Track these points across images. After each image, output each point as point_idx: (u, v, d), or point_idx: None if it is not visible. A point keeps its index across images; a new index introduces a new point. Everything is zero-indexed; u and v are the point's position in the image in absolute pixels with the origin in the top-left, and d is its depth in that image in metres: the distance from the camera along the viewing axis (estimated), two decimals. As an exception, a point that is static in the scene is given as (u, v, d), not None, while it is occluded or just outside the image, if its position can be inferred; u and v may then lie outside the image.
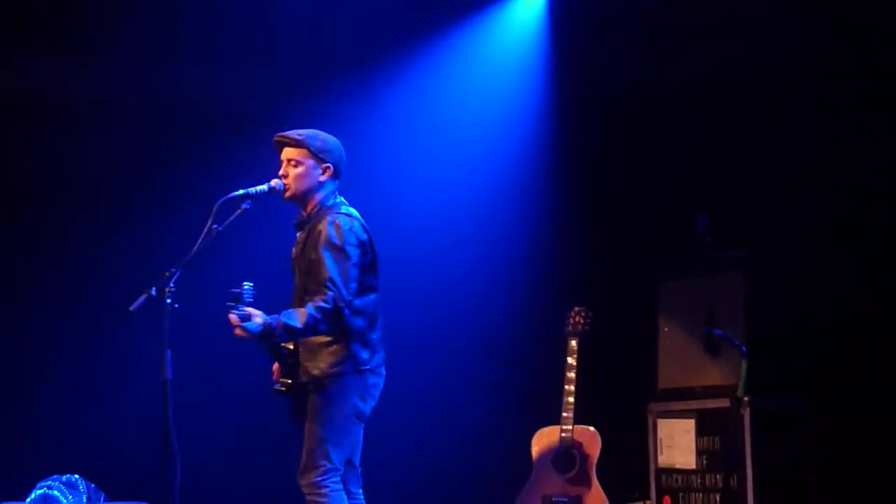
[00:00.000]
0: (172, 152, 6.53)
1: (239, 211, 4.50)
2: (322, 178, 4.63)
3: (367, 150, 6.05)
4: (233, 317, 4.32)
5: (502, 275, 6.75)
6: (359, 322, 4.55)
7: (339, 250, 4.48)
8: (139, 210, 6.51)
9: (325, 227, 4.52)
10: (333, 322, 4.45)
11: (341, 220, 4.56)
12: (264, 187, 4.60)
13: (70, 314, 6.38)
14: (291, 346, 4.57)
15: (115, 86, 6.46)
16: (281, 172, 4.64)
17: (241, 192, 4.53)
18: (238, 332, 4.33)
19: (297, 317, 4.39)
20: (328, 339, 4.52)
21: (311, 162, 4.60)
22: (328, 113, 6.10)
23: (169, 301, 4.24)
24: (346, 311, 4.45)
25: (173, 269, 4.27)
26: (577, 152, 6.72)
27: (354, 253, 4.52)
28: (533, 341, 6.63)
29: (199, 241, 4.37)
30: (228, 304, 4.28)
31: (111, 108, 6.47)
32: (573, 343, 5.93)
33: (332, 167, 4.64)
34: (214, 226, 4.39)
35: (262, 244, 5.87)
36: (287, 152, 4.66)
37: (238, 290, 4.30)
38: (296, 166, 4.61)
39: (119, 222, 6.50)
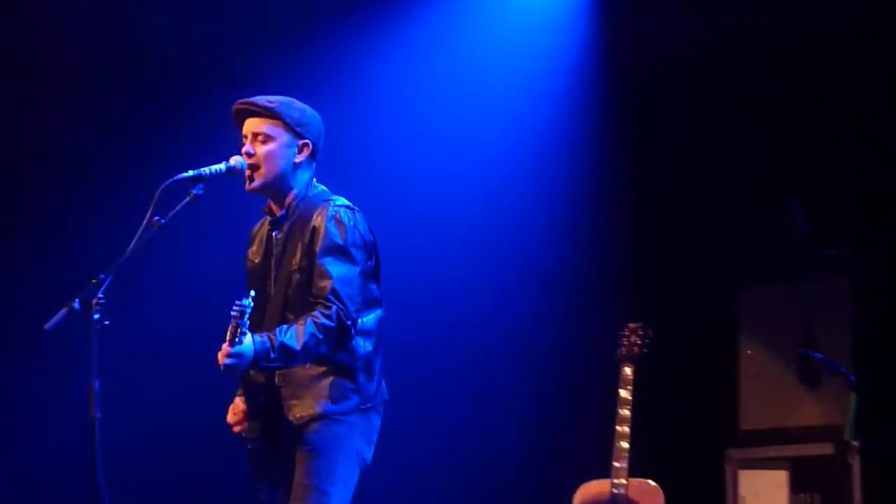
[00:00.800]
0: (103, 117, 6.51)
1: (189, 198, 4.41)
2: (299, 159, 4.56)
3: (368, 124, 6.24)
4: (225, 346, 4.21)
5: (537, 283, 6.81)
6: (363, 345, 4.51)
7: (342, 253, 4.45)
8: (60, 193, 6.50)
9: (322, 223, 4.47)
10: (336, 345, 4.41)
11: (343, 214, 4.50)
12: (221, 166, 4.49)
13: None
14: (263, 378, 4.49)
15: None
16: (245, 149, 4.52)
17: (190, 173, 4.43)
18: (226, 360, 4.23)
19: (296, 335, 4.31)
20: (322, 368, 4.46)
21: (286, 137, 4.53)
22: (315, 71, 6.22)
23: (97, 317, 4.15)
24: (352, 331, 4.43)
25: (102, 276, 4.18)
26: (630, 131, 6.77)
27: (360, 257, 4.49)
28: (576, 368, 6.70)
29: (137, 237, 4.29)
30: (239, 321, 4.16)
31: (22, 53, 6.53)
32: (627, 370, 5.86)
33: (310, 145, 4.57)
34: (156, 217, 4.31)
35: (219, 239, 5.83)
36: (252, 124, 4.56)
37: (243, 305, 4.17)
38: (265, 142, 4.52)
39: (34, 208, 6.50)
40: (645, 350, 5.89)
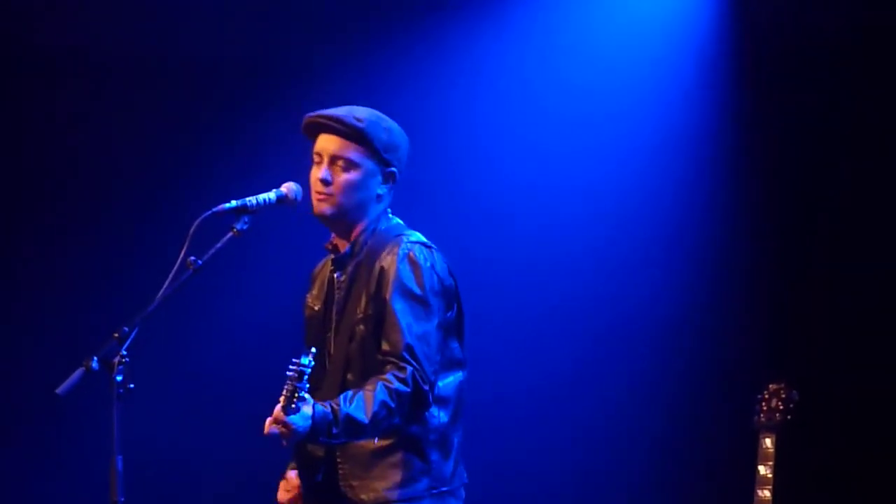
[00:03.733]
0: (131, 134, 6.71)
1: (231, 233, 4.41)
2: (381, 190, 4.60)
3: (461, 131, 6.53)
4: (278, 410, 4.20)
5: (656, 331, 6.90)
6: (438, 415, 4.53)
7: (418, 301, 4.47)
8: (75, 227, 6.67)
9: (392, 264, 4.50)
10: (411, 414, 4.41)
11: (418, 252, 4.53)
12: (271, 195, 4.50)
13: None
14: (322, 451, 4.50)
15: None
16: (321, 175, 4.53)
17: (233, 203, 4.43)
18: (280, 429, 4.22)
19: (364, 404, 4.31)
20: (387, 442, 4.48)
21: (370, 164, 4.57)
22: (396, 69, 6.52)
23: (119, 379, 4.12)
24: (430, 398, 4.43)
25: (126, 329, 4.15)
26: (773, 135, 6.81)
27: (439, 305, 4.50)
28: (703, 439, 6.75)
29: (168, 281, 4.27)
30: (297, 384, 4.17)
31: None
32: (768, 442, 5.79)
33: (396, 172, 4.62)
34: (192, 257, 4.28)
35: (269, 282, 5.99)
36: (332, 144, 4.56)
37: (302, 365, 4.17)
38: (346, 169, 4.54)
39: (46, 245, 6.68)
40: (790, 417, 5.79)
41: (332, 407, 4.25)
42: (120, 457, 4.10)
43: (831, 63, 6.72)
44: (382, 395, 4.30)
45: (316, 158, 4.56)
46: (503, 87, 6.94)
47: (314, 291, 4.71)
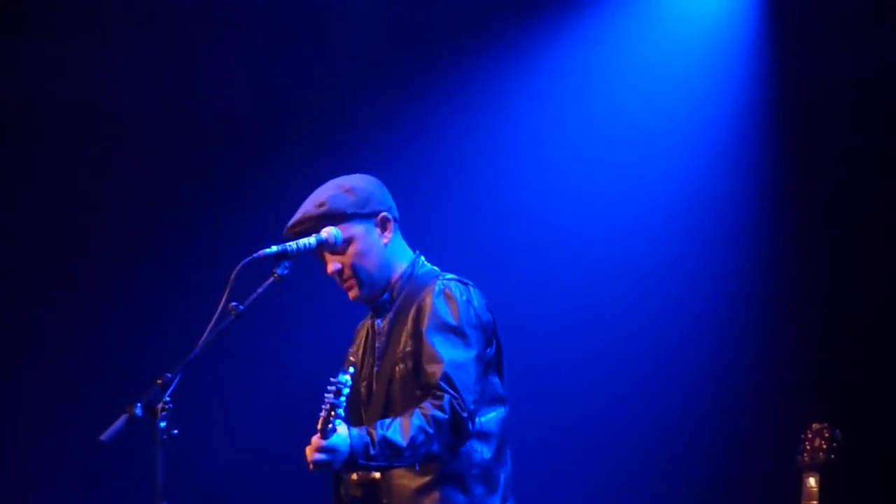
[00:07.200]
0: (169, 179, 6.78)
1: (272, 278, 4.41)
2: (385, 239, 4.61)
3: (504, 150, 6.59)
4: (317, 438, 4.18)
5: (694, 368, 6.90)
6: (480, 450, 4.49)
7: (455, 332, 4.44)
8: (117, 273, 6.69)
9: (428, 301, 4.49)
10: (451, 442, 4.36)
11: (454, 288, 4.52)
12: (311, 240, 4.51)
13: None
14: (361, 492, 4.49)
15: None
16: (330, 271, 4.58)
17: (273, 249, 4.45)
18: (316, 455, 4.20)
19: (400, 429, 4.28)
20: (428, 478, 4.45)
21: (360, 227, 4.58)
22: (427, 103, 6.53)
23: (163, 425, 4.13)
24: (470, 426, 4.37)
25: (169, 375, 4.15)
26: (815, 159, 6.88)
27: (476, 337, 4.47)
28: (744, 479, 6.79)
29: (210, 327, 4.27)
30: (334, 401, 4.14)
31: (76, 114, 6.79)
32: (811, 481, 5.76)
33: (386, 213, 4.62)
34: (233, 303, 4.29)
35: (312, 329, 6.00)
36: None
37: (340, 383, 4.15)
38: (346, 249, 4.57)
39: (87, 291, 6.67)
40: (832, 457, 5.76)
41: (368, 431, 4.24)
42: (165, 503, 4.11)
43: (869, 70, 6.78)
44: (419, 420, 4.27)
45: (318, 258, 4.59)
46: (537, 108, 7.07)
47: (354, 346, 4.72)
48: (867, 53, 6.80)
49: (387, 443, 4.24)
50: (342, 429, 4.19)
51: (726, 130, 7.03)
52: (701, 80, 7.01)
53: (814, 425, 5.82)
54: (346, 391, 4.14)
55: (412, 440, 4.26)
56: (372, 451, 4.23)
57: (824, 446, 5.77)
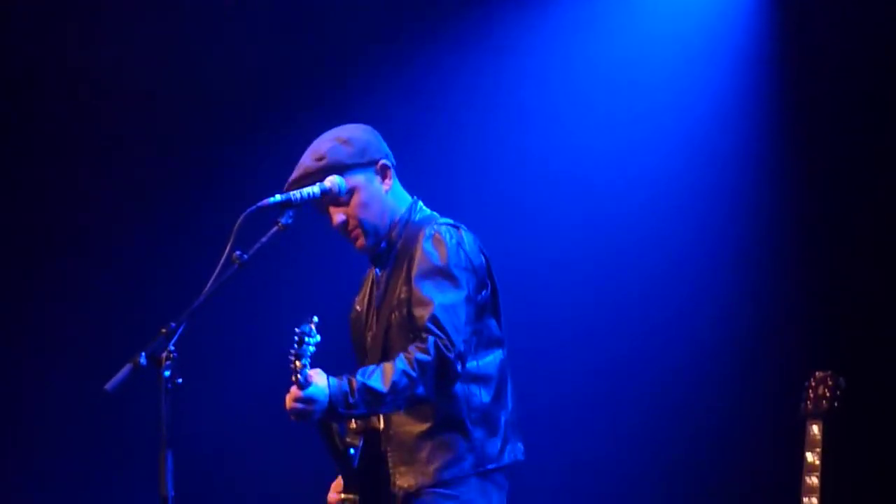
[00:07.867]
0: (169, 138, 6.72)
1: (276, 227, 4.43)
2: (386, 186, 4.62)
3: (503, 128, 6.50)
4: (294, 389, 4.22)
5: (701, 321, 6.88)
6: (479, 394, 4.50)
7: (443, 275, 4.45)
8: (118, 226, 6.69)
9: (419, 247, 4.51)
10: (439, 384, 4.35)
11: (444, 232, 4.52)
12: (315, 189, 4.52)
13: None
14: (359, 443, 4.51)
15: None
16: (335, 224, 4.60)
17: (277, 197, 4.46)
18: (296, 406, 4.24)
19: (381, 375, 4.29)
20: (428, 423, 4.46)
21: (361, 176, 4.59)
22: (441, 66, 6.56)
23: (168, 374, 4.11)
24: (458, 367, 4.35)
25: (173, 324, 4.15)
26: (815, 129, 6.83)
27: (467, 279, 4.46)
28: (750, 427, 6.72)
29: (214, 277, 4.27)
30: (299, 350, 4.17)
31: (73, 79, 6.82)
32: (815, 429, 5.74)
33: (385, 161, 4.63)
34: (237, 252, 4.28)
35: (315, 278, 6.02)
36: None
37: (303, 332, 4.17)
38: (349, 200, 4.58)
39: (93, 246, 6.68)
40: (836, 404, 5.74)
41: (348, 379, 4.26)
42: (170, 451, 4.09)
43: (872, 59, 6.67)
44: (402, 364, 4.28)
45: (322, 211, 4.60)
46: (539, 87, 7.00)
47: (359, 295, 4.73)
48: (871, 42, 6.69)
49: (367, 389, 4.26)
50: (320, 379, 4.22)
51: (733, 94, 7.01)
52: (702, 64, 7.00)
53: (817, 374, 5.81)
54: (310, 339, 4.16)
55: (394, 385, 4.27)
56: (351, 399, 4.25)
57: (828, 394, 5.75)
